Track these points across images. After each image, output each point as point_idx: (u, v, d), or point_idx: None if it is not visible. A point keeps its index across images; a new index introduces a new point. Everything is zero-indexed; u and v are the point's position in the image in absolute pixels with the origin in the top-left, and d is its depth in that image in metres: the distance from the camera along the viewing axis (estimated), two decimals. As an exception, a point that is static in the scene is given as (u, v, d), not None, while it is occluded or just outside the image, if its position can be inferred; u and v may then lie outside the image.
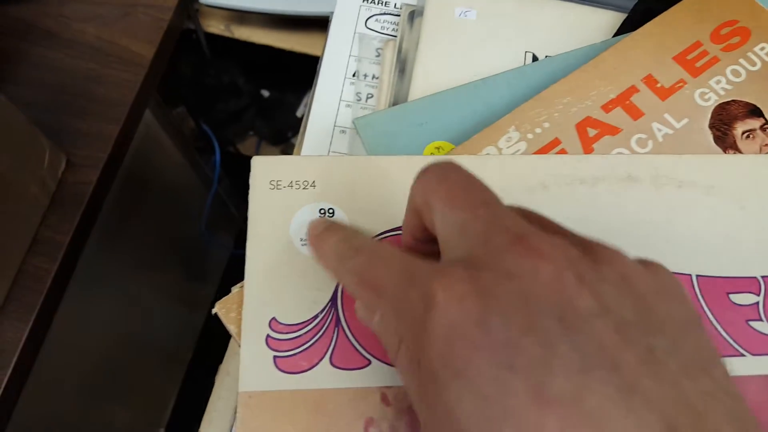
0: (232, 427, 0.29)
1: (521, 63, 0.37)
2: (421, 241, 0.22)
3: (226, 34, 0.58)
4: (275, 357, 0.25)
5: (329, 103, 0.36)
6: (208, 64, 0.71)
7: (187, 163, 0.75)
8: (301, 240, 0.27)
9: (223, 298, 0.26)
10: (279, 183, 0.28)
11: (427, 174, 0.20)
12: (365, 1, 0.39)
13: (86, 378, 0.70)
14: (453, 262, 0.18)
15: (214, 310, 0.26)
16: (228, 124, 0.81)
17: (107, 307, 0.71)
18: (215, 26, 0.59)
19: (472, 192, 0.19)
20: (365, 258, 0.20)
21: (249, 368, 0.24)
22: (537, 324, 0.16)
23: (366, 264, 0.20)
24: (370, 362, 0.25)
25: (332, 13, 0.40)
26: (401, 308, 0.18)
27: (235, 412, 0.28)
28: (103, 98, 0.50)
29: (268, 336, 0.25)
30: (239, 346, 0.25)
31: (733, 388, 0.16)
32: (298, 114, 0.86)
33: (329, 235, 0.22)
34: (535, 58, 0.37)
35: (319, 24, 0.57)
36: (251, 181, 0.28)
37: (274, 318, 0.25)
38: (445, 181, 0.20)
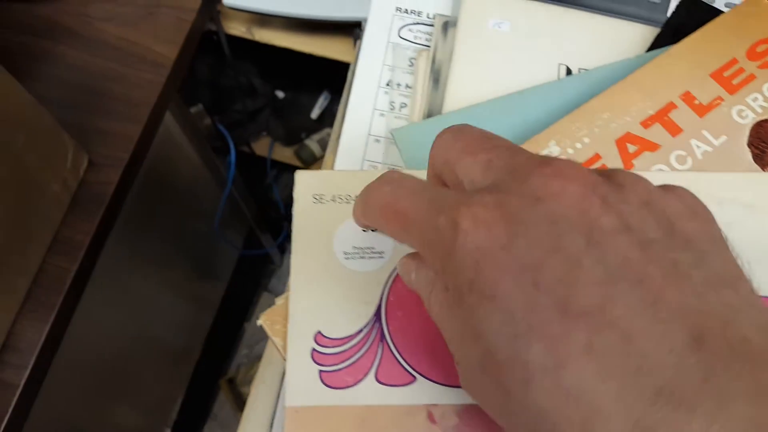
0: (267, 438, 0.28)
1: (555, 75, 0.37)
2: None
3: (248, 36, 0.58)
4: (321, 371, 0.24)
5: (363, 112, 0.36)
6: (227, 64, 0.70)
7: (202, 162, 0.75)
8: (345, 253, 0.27)
9: (268, 310, 0.26)
10: (322, 197, 0.28)
11: (444, 135, 0.20)
12: (398, 11, 0.39)
13: (94, 377, 0.70)
14: (479, 190, 0.18)
15: (259, 322, 0.26)
16: (243, 124, 0.80)
17: (116, 305, 0.70)
18: (236, 28, 0.58)
19: (491, 139, 0.20)
20: (392, 188, 0.20)
21: (295, 383, 0.24)
22: (563, 243, 0.16)
23: (392, 193, 0.20)
24: (415, 378, 0.25)
25: (365, 18, 0.40)
26: (430, 237, 0.18)
27: (272, 424, 0.28)
28: (125, 98, 0.49)
29: (313, 350, 0.25)
30: (284, 360, 0.25)
31: (759, 302, 0.17)
32: (313, 116, 0.86)
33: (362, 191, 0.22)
34: (569, 71, 0.37)
35: (340, 28, 0.57)
36: (295, 195, 0.28)
37: (319, 332, 0.25)
38: (463, 135, 0.20)
